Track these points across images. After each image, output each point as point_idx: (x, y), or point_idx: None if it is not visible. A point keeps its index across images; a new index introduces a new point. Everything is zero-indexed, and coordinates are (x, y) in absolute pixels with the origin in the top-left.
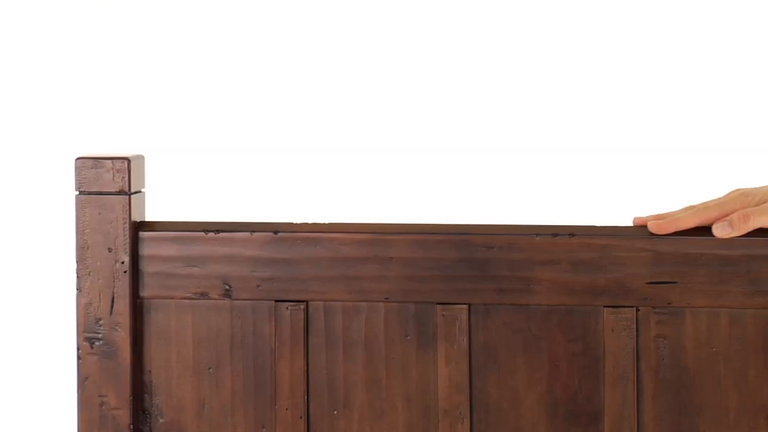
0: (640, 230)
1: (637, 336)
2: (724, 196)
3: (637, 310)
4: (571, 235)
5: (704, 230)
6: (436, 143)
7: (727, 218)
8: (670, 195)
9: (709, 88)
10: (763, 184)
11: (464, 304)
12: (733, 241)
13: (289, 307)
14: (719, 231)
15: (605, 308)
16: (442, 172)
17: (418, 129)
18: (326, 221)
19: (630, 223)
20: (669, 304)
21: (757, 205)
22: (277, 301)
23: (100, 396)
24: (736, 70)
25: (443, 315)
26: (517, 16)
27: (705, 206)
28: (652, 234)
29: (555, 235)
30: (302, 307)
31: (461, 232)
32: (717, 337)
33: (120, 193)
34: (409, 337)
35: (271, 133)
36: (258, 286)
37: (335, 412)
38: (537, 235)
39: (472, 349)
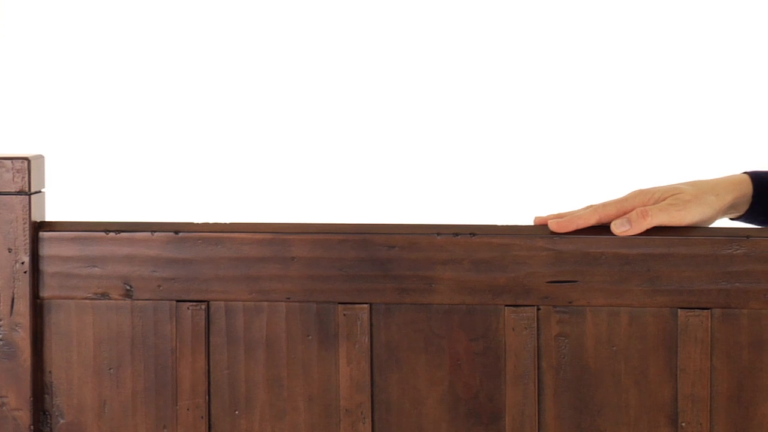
0: (540, 229)
1: (538, 335)
2: (624, 195)
3: (538, 309)
4: (472, 234)
5: (604, 228)
6: (339, 143)
7: (626, 215)
8: (571, 194)
9: (608, 90)
10: (663, 184)
11: (365, 303)
12: (633, 240)
13: (191, 307)
14: (618, 228)
15: (506, 307)
16: (345, 172)
17: (321, 128)
18: (227, 221)
19: (531, 222)
20: (570, 302)
21: (656, 203)
22: (178, 301)
23: (0, 397)
24: (637, 72)
25: (345, 314)
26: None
27: (605, 204)
28: (552, 233)
29: (456, 234)
30: (203, 307)
31: (362, 231)
32: (617, 335)
33: (20, 193)
34: (310, 337)
35: (171, 133)
36: (159, 286)
37: (236, 412)
38: (438, 234)
39: (373, 348)
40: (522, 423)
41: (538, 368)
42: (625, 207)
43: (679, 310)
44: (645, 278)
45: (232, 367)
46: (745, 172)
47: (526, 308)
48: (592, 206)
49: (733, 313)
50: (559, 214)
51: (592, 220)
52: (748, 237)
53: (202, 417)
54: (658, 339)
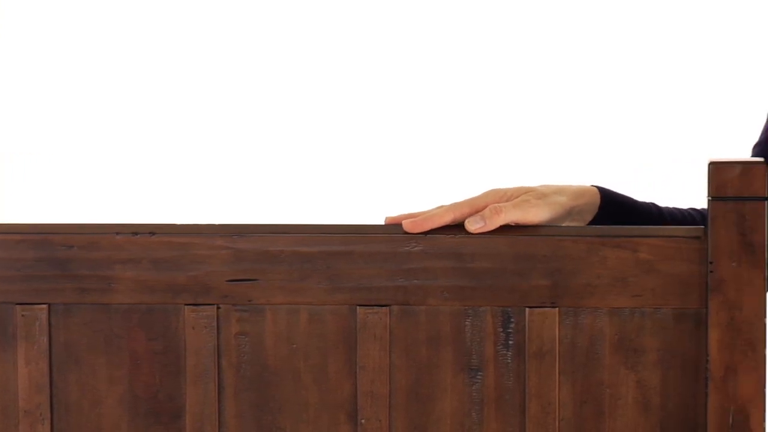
0: (219, 228)
1: (218, 333)
2: (478, 195)
3: (218, 307)
4: (152, 233)
5: (283, 227)
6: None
7: (480, 213)
8: (421, 195)
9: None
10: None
11: (44, 303)
12: (312, 238)
13: None
14: (472, 225)
15: (186, 306)
16: (37, 173)
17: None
18: None
19: (381, 222)
20: (249, 301)
21: (508, 200)
22: None
23: None
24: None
25: (23, 315)
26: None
27: (457, 203)
28: (232, 231)
29: (135, 233)
30: None
31: (41, 231)
32: (297, 333)
33: None
34: None
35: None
36: None
37: None
38: (117, 233)
39: (52, 348)
40: (202, 422)
41: (219, 367)
42: (477, 205)
43: (358, 307)
44: (325, 276)
45: None
46: (593, 185)
47: (206, 307)
48: (444, 206)
49: (411, 309)
50: (411, 214)
51: (446, 218)
52: (425, 234)
53: None
54: (338, 336)
